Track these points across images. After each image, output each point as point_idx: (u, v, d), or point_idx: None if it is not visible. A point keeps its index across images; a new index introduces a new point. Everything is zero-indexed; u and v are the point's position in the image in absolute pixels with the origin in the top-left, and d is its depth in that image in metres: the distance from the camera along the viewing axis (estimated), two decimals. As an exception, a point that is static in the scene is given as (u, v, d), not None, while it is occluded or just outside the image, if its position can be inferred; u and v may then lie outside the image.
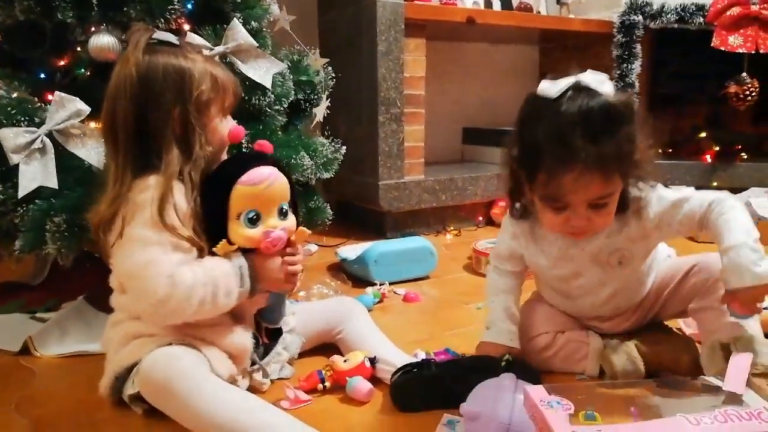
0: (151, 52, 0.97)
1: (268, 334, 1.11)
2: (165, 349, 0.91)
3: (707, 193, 0.99)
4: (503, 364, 1.00)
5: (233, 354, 1.00)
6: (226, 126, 1.05)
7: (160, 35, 1.00)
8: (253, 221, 0.97)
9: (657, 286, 1.12)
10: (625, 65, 2.56)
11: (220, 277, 0.93)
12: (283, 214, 1.00)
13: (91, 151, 1.16)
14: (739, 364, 0.78)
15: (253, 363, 1.05)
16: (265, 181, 0.97)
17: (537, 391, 0.76)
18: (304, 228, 1.06)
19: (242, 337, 1.01)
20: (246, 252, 0.98)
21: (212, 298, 0.92)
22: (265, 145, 1.05)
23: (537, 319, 1.15)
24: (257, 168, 0.97)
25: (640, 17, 2.52)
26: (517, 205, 1.07)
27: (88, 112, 1.14)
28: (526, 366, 1.04)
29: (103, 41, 1.21)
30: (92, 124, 1.18)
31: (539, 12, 2.78)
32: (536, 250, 1.10)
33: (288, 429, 0.82)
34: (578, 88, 0.91)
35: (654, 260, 1.11)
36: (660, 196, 1.01)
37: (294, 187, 1.05)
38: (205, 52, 1.20)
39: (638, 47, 2.55)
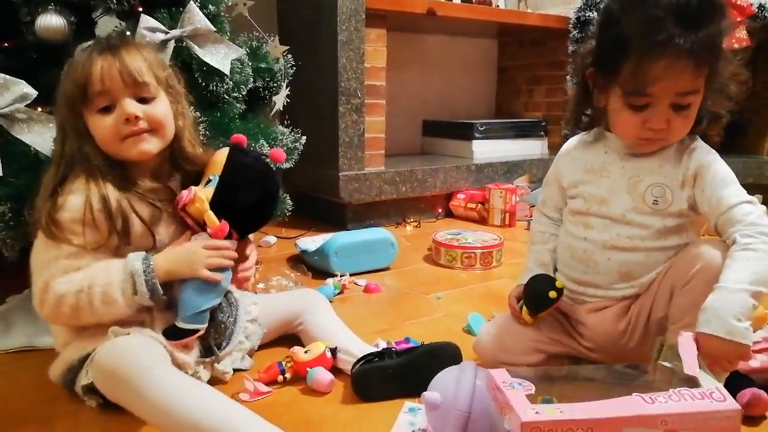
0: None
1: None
2: (123, 339, 0.88)
3: (748, 208, 0.88)
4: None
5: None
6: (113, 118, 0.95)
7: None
8: None
9: (665, 275, 0.95)
10: (580, 60, 2.61)
11: (98, 285, 0.90)
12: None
13: (38, 137, 1.10)
14: (688, 345, 0.80)
15: (209, 351, 1.03)
16: None
17: (500, 374, 0.77)
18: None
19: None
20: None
21: (89, 306, 0.90)
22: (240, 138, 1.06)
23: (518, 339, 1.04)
24: None
25: (595, 13, 2.57)
26: (584, 117, 1.03)
27: (34, 96, 1.09)
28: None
29: (51, 22, 1.16)
30: (39, 109, 1.13)
31: (498, 6, 2.81)
32: (581, 165, 1.03)
33: (248, 427, 0.80)
34: None
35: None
36: (710, 150, 0.95)
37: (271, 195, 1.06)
38: (160, 35, 1.16)
39: (593, 43, 2.60)
